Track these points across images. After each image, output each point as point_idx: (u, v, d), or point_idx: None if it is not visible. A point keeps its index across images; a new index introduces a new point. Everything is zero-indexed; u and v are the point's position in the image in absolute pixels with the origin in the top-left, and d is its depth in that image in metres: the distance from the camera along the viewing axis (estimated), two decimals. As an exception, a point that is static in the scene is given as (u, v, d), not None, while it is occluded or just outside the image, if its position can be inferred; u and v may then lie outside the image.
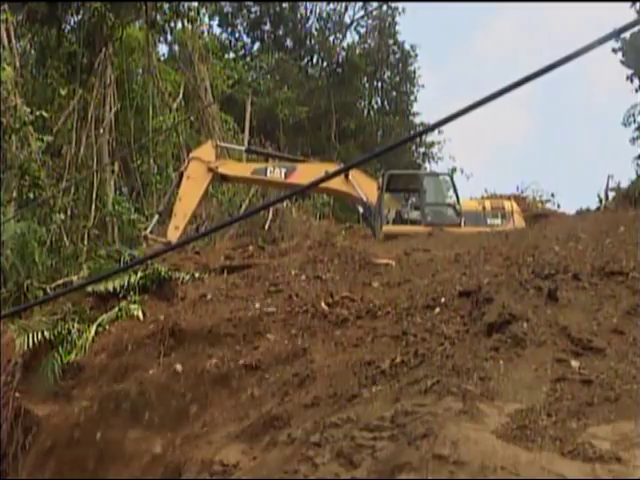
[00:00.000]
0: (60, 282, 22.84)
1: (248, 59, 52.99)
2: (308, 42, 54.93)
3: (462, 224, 21.56)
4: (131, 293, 17.99)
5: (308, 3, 54.38)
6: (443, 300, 12.76)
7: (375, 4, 54.87)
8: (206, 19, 46.05)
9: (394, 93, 56.25)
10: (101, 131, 32.40)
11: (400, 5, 53.63)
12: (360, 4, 54.68)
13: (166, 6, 34.92)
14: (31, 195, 26.68)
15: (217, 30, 53.16)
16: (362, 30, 55.27)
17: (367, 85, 56.28)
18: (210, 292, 16.64)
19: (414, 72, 55.04)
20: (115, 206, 31.35)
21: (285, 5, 53.59)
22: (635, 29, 24.20)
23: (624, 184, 30.41)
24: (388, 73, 55.89)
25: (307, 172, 22.55)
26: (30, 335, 16.84)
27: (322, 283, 15.55)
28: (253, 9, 54.20)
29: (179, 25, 38.02)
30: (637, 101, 38.09)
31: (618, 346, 9.65)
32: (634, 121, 38.76)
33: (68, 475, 14.31)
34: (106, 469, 13.86)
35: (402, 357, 10.95)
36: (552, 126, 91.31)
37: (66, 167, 30.67)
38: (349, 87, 52.57)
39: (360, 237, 23.40)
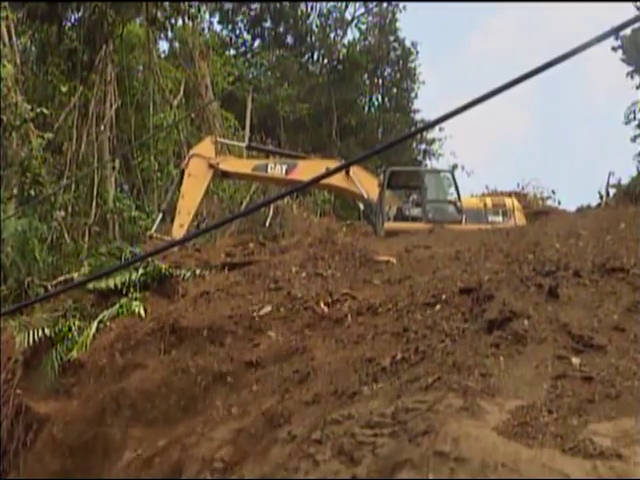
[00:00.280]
0: (61, 279, 22.86)
1: (249, 56, 52.99)
2: (309, 39, 54.83)
3: (463, 221, 21.56)
4: (132, 290, 17.99)
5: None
6: (444, 297, 12.74)
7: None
8: (206, 16, 46.17)
9: (395, 90, 56.23)
10: (102, 128, 32.43)
11: (401, 3, 53.77)
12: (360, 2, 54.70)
13: (166, 3, 34.94)
14: (32, 192, 26.75)
15: (217, 27, 53.20)
16: (363, 27, 55.30)
17: (368, 82, 56.18)
18: (211, 289, 16.64)
19: (415, 69, 55.04)
20: (116, 203, 31.39)
21: (285, 2, 53.51)
22: (636, 25, 24.15)
23: (625, 181, 30.38)
24: (389, 70, 55.86)
25: (308, 168, 22.56)
26: (31, 332, 16.87)
27: (323, 280, 15.55)
28: (253, 6, 54.13)
29: (179, 22, 38.07)
30: (637, 98, 37.98)
31: (619, 343, 9.65)
32: (634, 118, 38.64)
33: (69, 472, 14.33)
34: (106, 466, 13.86)
35: (403, 354, 10.95)
36: (553, 124, 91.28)
37: (67, 164, 30.71)
38: (350, 84, 52.51)
39: (361, 234, 23.39)
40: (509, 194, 27.37)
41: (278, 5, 53.34)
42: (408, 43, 54.58)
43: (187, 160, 24.34)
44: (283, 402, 11.37)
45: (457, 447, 7.55)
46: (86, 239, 29.26)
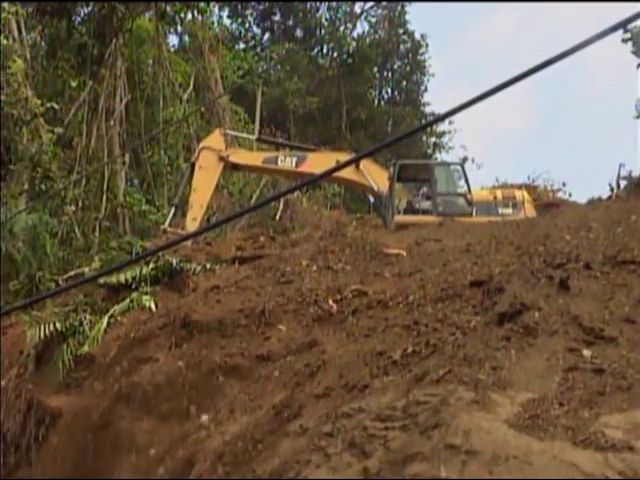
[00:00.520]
0: (72, 274, 22.94)
1: (258, 50, 53.03)
2: (318, 32, 54.83)
3: (473, 214, 21.53)
4: (143, 284, 18.02)
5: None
6: (454, 290, 12.73)
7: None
8: (216, 10, 46.13)
9: (404, 83, 56.16)
10: (112, 122, 32.49)
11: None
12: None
13: (176, -2, 35.00)
14: (42, 187, 26.82)
15: (227, 21, 53.24)
16: (372, 20, 55.24)
17: (377, 75, 56.18)
18: (221, 283, 16.65)
19: (424, 62, 54.96)
20: (126, 197, 31.49)
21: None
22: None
23: (635, 173, 30.22)
24: (398, 63, 55.80)
25: (318, 161, 22.57)
26: (42, 327, 16.92)
27: (333, 273, 15.54)
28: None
29: (189, 16, 38.06)
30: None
31: (630, 335, 9.61)
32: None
33: (80, 466, 14.38)
34: (118, 460, 13.91)
35: (414, 347, 10.93)
36: (563, 116, 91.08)
37: (77, 159, 30.80)
38: (359, 77, 52.48)
39: (371, 227, 23.39)
40: (519, 186, 27.34)
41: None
42: (418, 35, 54.59)
43: (197, 153, 24.37)
44: (294, 395, 11.37)
45: (468, 440, 7.53)
46: (97, 234, 29.34)
